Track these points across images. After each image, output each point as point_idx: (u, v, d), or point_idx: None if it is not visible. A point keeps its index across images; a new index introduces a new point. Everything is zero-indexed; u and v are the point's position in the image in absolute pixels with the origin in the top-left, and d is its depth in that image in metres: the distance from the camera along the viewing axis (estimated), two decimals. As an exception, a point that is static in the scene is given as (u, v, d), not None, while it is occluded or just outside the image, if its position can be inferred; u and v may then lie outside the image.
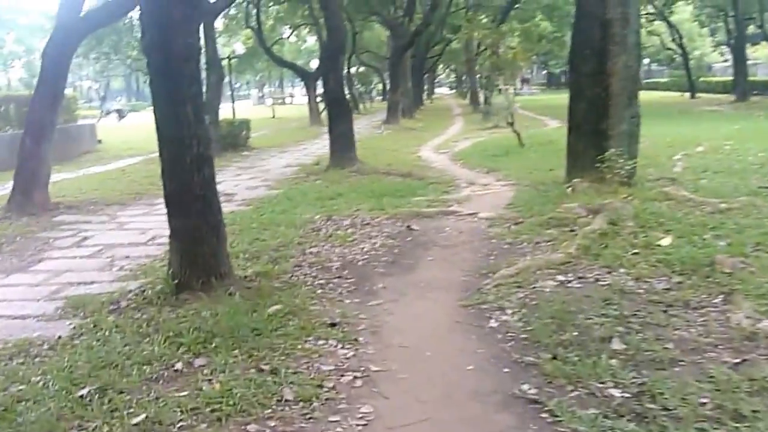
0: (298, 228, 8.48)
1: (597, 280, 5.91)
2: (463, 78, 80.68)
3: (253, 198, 11.44)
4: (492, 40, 18.32)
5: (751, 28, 51.05)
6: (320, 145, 22.06)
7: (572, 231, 7.64)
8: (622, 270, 6.10)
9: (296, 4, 35.68)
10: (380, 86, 62.71)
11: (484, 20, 19.80)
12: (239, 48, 37.51)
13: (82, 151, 20.57)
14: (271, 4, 36.16)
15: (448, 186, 11.61)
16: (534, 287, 5.75)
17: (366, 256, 7.12)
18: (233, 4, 30.48)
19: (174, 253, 5.96)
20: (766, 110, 32.01)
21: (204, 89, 19.34)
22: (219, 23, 36.90)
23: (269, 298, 5.58)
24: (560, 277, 6.00)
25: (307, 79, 32.47)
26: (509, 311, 5.24)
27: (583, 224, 7.76)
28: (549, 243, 7.27)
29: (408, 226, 8.38)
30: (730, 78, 52.70)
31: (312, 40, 53.58)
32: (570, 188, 9.66)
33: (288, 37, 48.70)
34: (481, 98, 38.65)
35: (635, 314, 4.99)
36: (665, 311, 5.05)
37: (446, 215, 9.06)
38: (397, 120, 29.36)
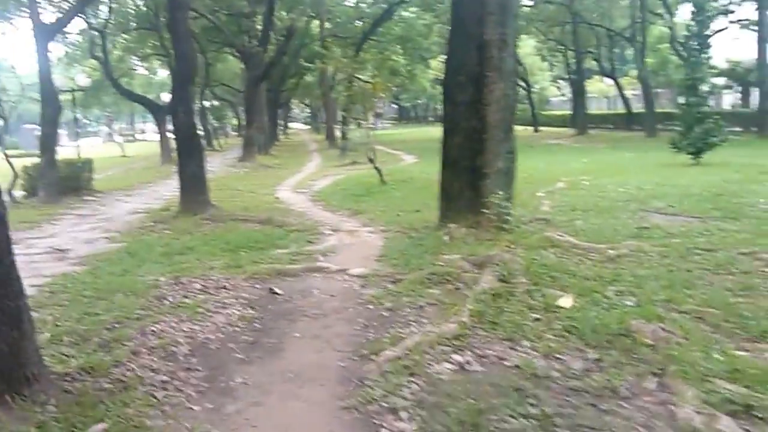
0: (140, 296, 7.10)
1: (501, 359, 4.96)
2: (318, 112, 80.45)
3: (91, 254, 9.89)
4: (351, 70, 17.43)
5: (589, 63, 53.17)
6: (172, 186, 20.49)
7: (458, 289, 6.73)
8: (526, 343, 5.20)
9: (145, 33, 33.89)
10: (235, 121, 61.13)
11: (338, 51, 18.71)
12: (82, 80, 35.01)
13: None
14: (119, 32, 34.23)
15: (311, 234, 10.46)
16: (429, 373, 4.70)
17: (220, 335, 5.86)
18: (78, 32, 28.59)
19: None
20: (606, 143, 33.02)
21: (39, 125, 17.73)
22: (59, 50, 34.57)
23: (93, 411, 4.24)
24: (457, 357, 5.00)
25: (158, 113, 30.57)
26: (403, 414, 4.15)
27: (469, 281, 6.87)
28: (435, 306, 6.29)
29: (270, 290, 7.19)
30: (569, 112, 54.79)
31: (164, 73, 51.32)
32: (447, 235, 8.74)
33: (135, 69, 46.31)
34: (338, 133, 37.92)
35: (560, 412, 4.04)
36: (594, 405, 4.12)
37: (313, 272, 7.91)
38: (253, 157, 28.04)
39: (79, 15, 29.50)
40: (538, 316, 5.77)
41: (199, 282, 7.61)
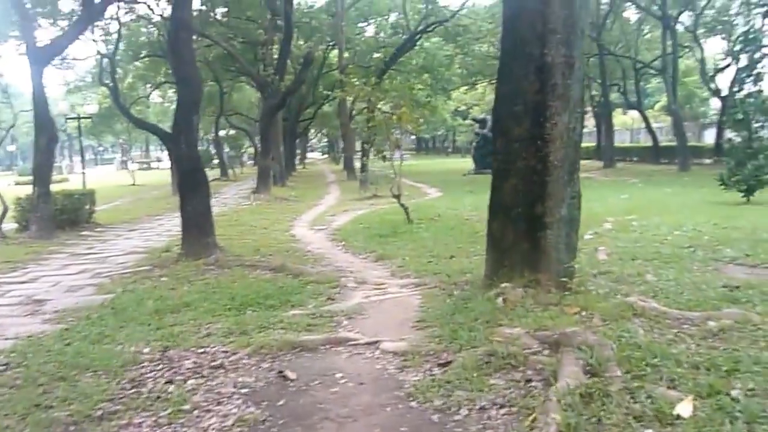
0: (112, 377, 5.43)
1: None
2: (336, 142, 79.18)
3: (70, 309, 8.22)
4: (374, 99, 15.84)
5: (614, 96, 51.65)
6: (179, 220, 19.09)
7: (530, 381, 5.01)
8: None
9: (158, 60, 32.56)
10: (251, 150, 59.81)
11: (358, 81, 17.08)
12: (91, 107, 33.79)
13: None
14: (131, 60, 32.99)
15: (332, 286, 8.74)
16: None
17: (209, 453, 4.18)
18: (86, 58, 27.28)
19: None
20: (638, 176, 31.22)
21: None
22: (60, 76, 33.28)
23: None
24: None
25: (168, 142, 28.99)
26: None
27: (543, 368, 5.14)
28: (503, 409, 4.57)
29: (280, 373, 5.49)
30: (592, 144, 53.19)
31: (179, 102, 49.90)
32: (500, 297, 7.02)
33: (148, 96, 44.96)
34: (357, 164, 36.35)
35: None
36: None
37: (335, 346, 6.17)
38: (268, 189, 26.43)
39: (92, 40, 28.42)
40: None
41: (191, 357, 5.93)
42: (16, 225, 16.05)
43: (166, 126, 34.04)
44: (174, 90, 33.95)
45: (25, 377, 5.54)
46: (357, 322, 7.01)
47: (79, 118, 26.77)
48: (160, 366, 5.72)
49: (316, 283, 8.86)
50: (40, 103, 15.08)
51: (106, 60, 25.71)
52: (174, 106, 33.83)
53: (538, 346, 5.65)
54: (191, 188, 11.06)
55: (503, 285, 7.19)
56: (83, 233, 16.09)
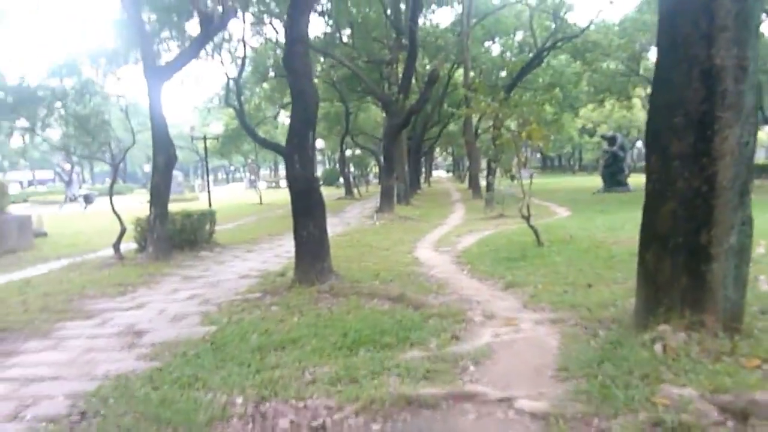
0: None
1: None
2: (461, 160, 78.04)
3: (169, 341, 7.42)
4: (502, 116, 14.62)
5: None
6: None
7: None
8: None
9: (285, 82, 32.38)
10: (377, 169, 59.55)
11: (483, 99, 15.84)
12: (216, 128, 34.13)
13: (7, 248, 16.58)
14: (258, 81, 32.98)
15: (456, 321, 7.57)
16: None
17: None
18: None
19: None
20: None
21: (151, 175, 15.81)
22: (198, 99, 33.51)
23: None
24: None
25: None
26: None
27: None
28: None
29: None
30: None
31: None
32: (658, 343, 5.69)
33: (276, 117, 45.07)
34: (482, 182, 35.06)
35: None
36: None
37: (460, 401, 5.03)
38: (391, 208, 25.52)
39: (220, 62, 28.47)
40: None
41: (289, 413, 4.90)
42: (136, 245, 15.68)
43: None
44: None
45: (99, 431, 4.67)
46: (485, 369, 5.83)
47: (205, 138, 26.74)
48: (251, 425, 4.73)
49: (439, 317, 7.72)
50: (157, 122, 14.64)
51: (232, 81, 25.51)
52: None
53: (718, 415, 4.33)
54: (305, 210, 10.13)
55: (660, 328, 5.86)
56: (201, 254, 15.55)
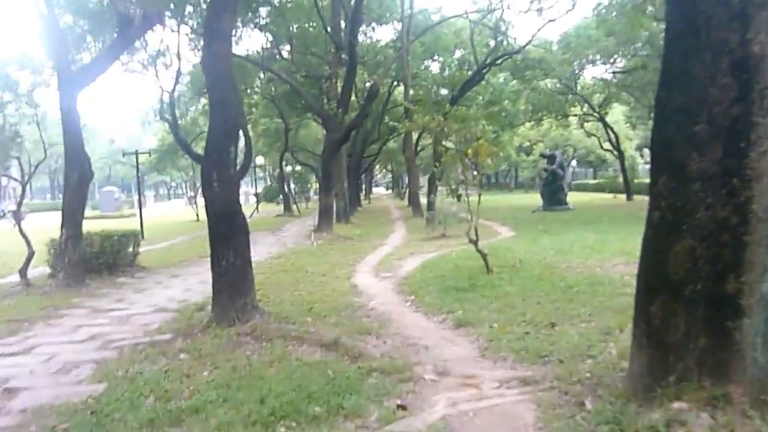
0: None
1: None
2: (400, 178, 76.70)
3: (44, 406, 5.62)
4: (447, 130, 13.05)
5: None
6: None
7: None
8: None
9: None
10: (318, 185, 57.81)
11: (426, 116, 14.30)
12: (152, 142, 31.97)
13: None
14: (192, 95, 31.01)
15: (402, 379, 5.92)
16: None
17: None
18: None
19: None
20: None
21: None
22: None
23: None
24: None
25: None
26: None
27: None
28: None
29: None
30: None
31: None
32: (676, 428, 4.15)
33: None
34: (422, 200, 33.59)
35: None
36: None
37: None
38: (330, 227, 23.75)
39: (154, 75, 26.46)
40: None
41: None
42: (49, 269, 13.62)
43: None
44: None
45: None
46: (444, 461, 4.22)
47: (137, 153, 24.66)
48: None
49: (381, 373, 6.07)
50: (71, 134, 12.68)
51: (167, 95, 23.61)
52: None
53: None
54: (225, 237, 8.36)
55: (675, 405, 4.32)
56: (120, 280, 13.62)
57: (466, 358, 6.73)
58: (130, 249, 15.08)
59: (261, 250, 19.46)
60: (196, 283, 13.06)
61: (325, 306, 9.87)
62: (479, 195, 13.21)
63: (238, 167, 10.63)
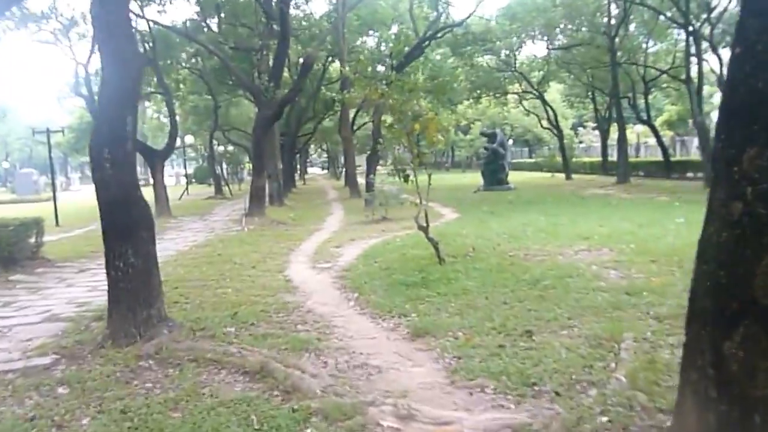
0: None
1: None
2: (337, 157, 74.76)
3: None
4: (392, 102, 11.37)
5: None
6: (161, 248, 14.69)
7: None
8: None
9: (146, 72, 28.35)
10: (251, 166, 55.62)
11: (368, 87, 12.60)
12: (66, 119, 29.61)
13: None
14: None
15: (350, 429, 4.35)
16: None
17: None
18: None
19: None
20: (662, 193, 26.71)
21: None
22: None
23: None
24: None
25: (153, 158, 24.42)
26: None
27: None
28: None
29: None
30: (597, 158, 49.10)
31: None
32: None
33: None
34: (360, 180, 31.97)
35: None
36: None
37: None
38: (262, 211, 21.84)
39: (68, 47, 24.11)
40: None
41: None
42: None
43: (160, 143, 29.61)
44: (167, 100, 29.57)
45: None
46: None
47: (48, 132, 22.31)
48: None
49: (324, 420, 4.44)
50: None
51: (82, 68, 21.37)
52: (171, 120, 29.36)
53: None
54: (121, 232, 6.53)
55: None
56: (14, 277, 11.58)
57: (432, 387, 5.17)
58: (32, 239, 13.05)
59: (186, 237, 17.61)
60: (103, 281, 11.15)
61: (253, 309, 8.20)
62: (429, 176, 11.60)
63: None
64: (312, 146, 75.80)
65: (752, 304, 2.98)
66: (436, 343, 6.39)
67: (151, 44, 25.48)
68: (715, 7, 33.41)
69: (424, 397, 4.93)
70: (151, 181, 24.49)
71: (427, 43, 32.12)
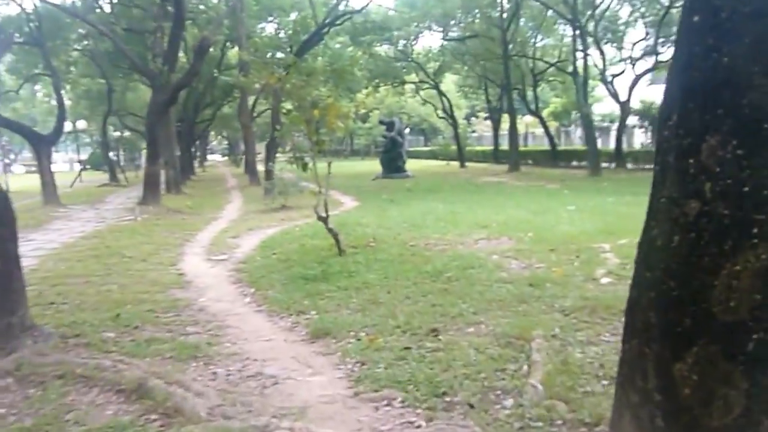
0: None
1: None
2: (236, 144, 72.84)
3: None
4: (290, 86, 10.62)
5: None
6: (44, 240, 13.75)
7: None
8: None
9: (31, 50, 26.51)
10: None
11: (266, 71, 11.84)
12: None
13: None
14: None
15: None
16: None
17: None
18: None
19: None
20: (551, 181, 27.02)
21: None
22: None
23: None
24: None
25: (39, 143, 22.63)
26: None
27: None
28: None
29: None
30: (489, 147, 49.75)
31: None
32: None
33: (17, 90, 37.68)
34: (259, 167, 30.90)
35: None
36: None
37: None
38: (157, 199, 20.57)
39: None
40: None
41: None
42: None
43: (51, 128, 27.69)
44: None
45: None
46: None
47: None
48: None
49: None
50: None
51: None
52: (68, 104, 27.44)
53: None
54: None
55: None
56: None
57: (333, 401, 4.53)
58: None
59: (73, 227, 16.26)
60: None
61: (140, 309, 7.34)
62: (329, 164, 10.91)
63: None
64: (212, 133, 73.72)
65: (710, 320, 2.46)
66: (337, 345, 5.76)
67: (37, 24, 23.69)
68: (599, 5, 34.21)
69: (325, 414, 4.28)
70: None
71: (326, 29, 31.26)
